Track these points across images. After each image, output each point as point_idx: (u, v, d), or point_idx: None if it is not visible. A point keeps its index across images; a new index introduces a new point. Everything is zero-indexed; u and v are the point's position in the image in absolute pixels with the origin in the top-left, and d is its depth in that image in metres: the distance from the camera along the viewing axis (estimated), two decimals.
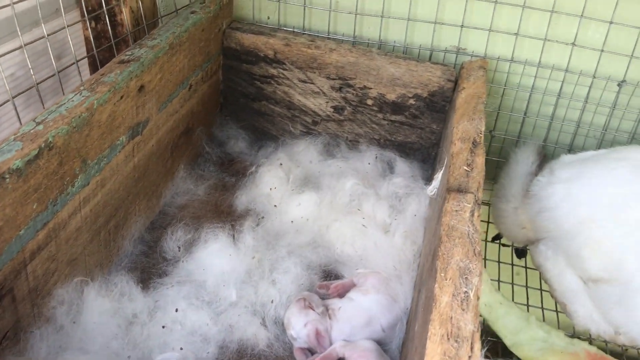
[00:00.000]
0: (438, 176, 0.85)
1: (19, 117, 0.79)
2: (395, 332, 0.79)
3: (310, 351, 0.79)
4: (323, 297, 0.84)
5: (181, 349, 0.75)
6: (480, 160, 0.79)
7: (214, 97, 1.14)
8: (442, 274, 0.60)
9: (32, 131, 0.66)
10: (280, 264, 0.85)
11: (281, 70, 1.12)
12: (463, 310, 0.57)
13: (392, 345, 0.79)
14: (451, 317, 0.56)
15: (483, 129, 0.85)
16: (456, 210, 0.69)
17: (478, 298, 0.59)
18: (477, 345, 0.53)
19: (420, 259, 0.84)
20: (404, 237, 0.87)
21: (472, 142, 0.82)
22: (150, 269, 0.88)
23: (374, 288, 0.80)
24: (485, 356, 0.55)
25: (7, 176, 0.60)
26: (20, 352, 0.68)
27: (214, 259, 0.83)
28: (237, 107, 1.18)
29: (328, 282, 0.86)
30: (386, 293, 0.79)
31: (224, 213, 1.01)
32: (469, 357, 0.52)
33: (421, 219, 0.91)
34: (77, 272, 0.77)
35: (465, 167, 0.77)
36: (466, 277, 0.60)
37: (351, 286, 0.84)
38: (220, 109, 1.18)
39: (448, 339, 0.53)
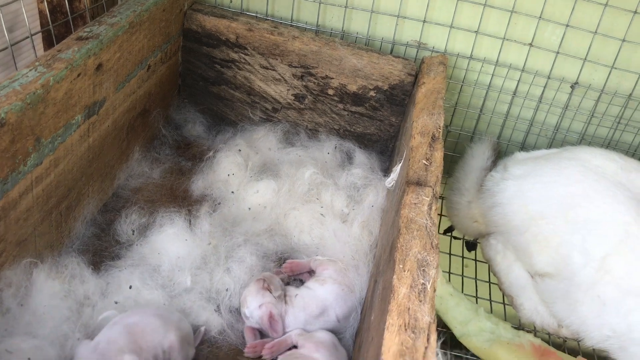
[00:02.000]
0: (396, 169, 0.86)
1: None
2: (349, 321, 0.80)
3: (261, 332, 0.79)
4: (285, 282, 0.84)
5: (116, 302, 0.75)
6: (439, 155, 0.80)
7: (172, 79, 1.12)
8: (401, 266, 0.61)
9: None
10: (236, 252, 0.84)
11: (243, 55, 1.11)
12: (420, 301, 0.58)
13: (346, 334, 0.80)
14: (409, 308, 0.57)
15: (442, 124, 0.87)
16: (415, 203, 0.70)
17: (435, 290, 0.60)
18: (434, 336, 0.54)
19: (376, 250, 0.85)
20: (361, 228, 0.88)
21: (431, 137, 0.83)
22: (102, 252, 0.86)
23: (331, 278, 0.81)
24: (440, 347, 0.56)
25: None
26: None
27: (169, 244, 0.82)
28: (196, 90, 1.16)
29: (293, 261, 0.86)
30: (343, 283, 0.80)
31: (179, 197, 0.99)
32: (426, 348, 0.53)
33: (378, 209, 0.92)
34: (26, 254, 0.75)
35: (424, 161, 0.78)
36: (424, 270, 0.61)
37: (307, 267, 0.85)
38: (178, 92, 1.16)
39: (405, 329, 0.54)
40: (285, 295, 0.80)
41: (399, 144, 1.03)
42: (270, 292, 0.79)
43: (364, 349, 0.67)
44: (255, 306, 0.78)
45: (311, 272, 0.87)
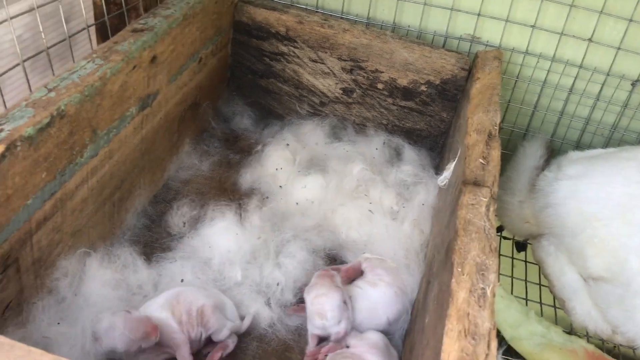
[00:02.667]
0: (450, 167, 0.84)
1: (28, 82, 0.76)
2: (399, 323, 0.78)
3: (321, 338, 0.78)
4: None
5: (182, 280, 0.78)
6: (495, 154, 0.78)
7: (222, 72, 1.12)
8: (459, 269, 0.59)
9: (44, 98, 0.64)
10: (286, 247, 0.84)
11: (292, 48, 1.10)
12: (480, 307, 0.56)
13: (395, 336, 0.79)
14: (468, 314, 0.55)
15: (498, 121, 0.84)
16: (472, 204, 0.69)
17: (494, 295, 0.58)
18: (494, 343, 0.53)
19: (427, 250, 0.84)
20: (412, 226, 0.86)
21: (488, 135, 0.81)
22: (153, 243, 0.87)
23: (382, 281, 0.79)
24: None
25: (18, 144, 0.58)
26: (22, 323, 0.67)
27: (220, 237, 0.82)
28: (245, 83, 1.16)
29: (336, 266, 0.85)
30: (395, 285, 0.78)
31: (228, 191, 0.99)
32: (486, 355, 0.51)
33: (429, 208, 0.90)
34: (80, 244, 0.75)
35: (481, 160, 0.76)
36: (483, 273, 0.60)
37: (359, 270, 0.83)
38: (227, 85, 1.16)
39: (465, 335, 0.53)
40: None
41: (450, 140, 1.01)
42: (347, 304, 0.76)
43: (417, 352, 0.66)
44: (335, 322, 0.74)
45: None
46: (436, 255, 0.73)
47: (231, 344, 0.74)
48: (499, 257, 1.11)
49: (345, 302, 0.75)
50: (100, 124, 0.72)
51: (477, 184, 0.72)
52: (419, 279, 0.81)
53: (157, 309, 0.71)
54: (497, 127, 0.83)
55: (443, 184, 0.85)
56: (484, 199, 0.70)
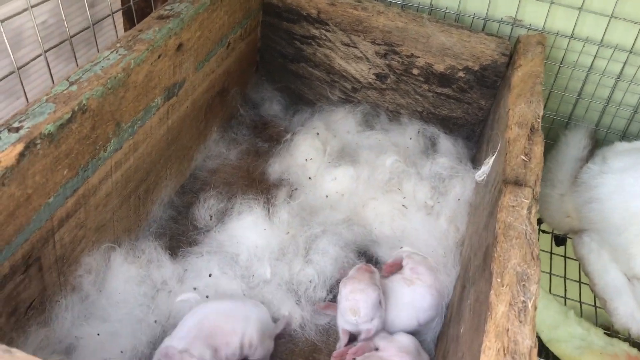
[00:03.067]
0: (489, 161, 0.79)
1: (50, 73, 0.74)
2: (432, 325, 0.75)
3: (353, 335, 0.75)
4: None
5: (195, 289, 0.74)
6: (538, 150, 0.73)
7: (251, 57, 1.08)
8: (499, 280, 0.56)
9: (65, 92, 0.61)
10: (315, 243, 0.81)
11: (324, 32, 1.06)
12: (520, 322, 0.52)
13: (427, 337, 0.76)
14: (507, 330, 0.51)
15: (541, 113, 0.79)
16: (513, 206, 0.64)
17: (535, 309, 0.55)
18: None
19: (463, 248, 0.80)
20: (448, 222, 0.82)
21: (530, 128, 0.76)
22: (179, 236, 0.85)
23: (420, 280, 0.75)
24: None
25: (38, 142, 0.56)
26: (45, 322, 0.65)
27: (248, 232, 0.80)
28: (274, 67, 1.13)
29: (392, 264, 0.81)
30: (433, 287, 0.75)
31: (256, 181, 0.97)
32: None
33: (465, 203, 0.86)
34: (104, 239, 0.74)
35: (522, 157, 0.72)
36: (524, 284, 0.56)
37: (400, 266, 0.80)
38: (256, 69, 1.13)
39: (505, 354, 0.49)
40: None
41: (488, 130, 0.96)
42: (381, 304, 0.73)
43: None
44: (367, 320, 0.71)
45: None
46: (472, 258, 0.70)
47: (268, 354, 0.72)
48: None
49: (380, 302, 0.72)
50: (124, 117, 0.70)
51: (518, 183, 0.68)
52: (454, 280, 0.77)
53: (189, 343, 0.65)
54: (539, 120, 0.78)
55: (481, 179, 0.81)
56: (526, 201, 0.65)
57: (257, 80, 1.13)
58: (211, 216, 0.85)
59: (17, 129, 0.55)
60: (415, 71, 1.04)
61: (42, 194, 0.59)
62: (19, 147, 0.54)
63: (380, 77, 1.07)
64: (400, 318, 0.74)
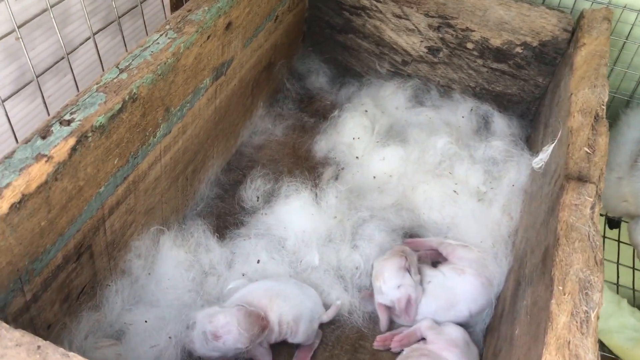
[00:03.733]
0: (548, 149, 0.75)
1: (98, 54, 0.73)
2: (482, 316, 0.74)
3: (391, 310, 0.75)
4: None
5: (243, 275, 0.74)
6: (603, 141, 0.69)
7: (298, 28, 1.05)
8: (560, 287, 0.53)
9: (115, 80, 0.60)
10: (363, 228, 0.79)
11: (374, 2, 1.01)
12: (583, 334, 0.50)
13: (476, 328, 0.75)
14: (569, 342, 0.50)
15: (606, 99, 0.75)
16: (575, 204, 0.61)
17: (598, 319, 0.52)
18: None
19: (517, 240, 0.77)
20: (501, 211, 0.79)
21: (594, 117, 0.72)
22: (226, 216, 0.84)
23: (470, 268, 0.74)
24: None
25: (89, 134, 0.55)
26: (96, 306, 0.66)
27: (295, 217, 0.78)
28: (321, 38, 1.09)
29: (414, 239, 0.81)
30: (483, 276, 0.73)
31: (302, 158, 0.95)
32: None
33: (520, 190, 0.82)
34: (153, 221, 0.74)
35: (586, 149, 0.68)
36: (587, 293, 0.53)
37: (427, 246, 0.80)
38: (302, 40, 1.09)
39: None
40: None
41: (546, 111, 0.92)
42: (410, 274, 0.73)
43: None
44: (393, 285, 0.72)
45: (438, 253, 0.81)
46: (529, 255, 0.67)
47: (317, 342, 0.72)
48: None
49: (408, 270, 0.73)
50: (174, 101, 0.68)
51: (581, 179, 0.64)
52: (506, 271, 0.75)
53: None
54: (604, 107, 0.74)
55: (539, 166, 0.77)
56: (589, 199, 0.62)
57: (303, 52, 1.10)
58: (258, 197, 0.84)
59: (69, 122, 0.55)
60: (469, 45, 0.99)
61: (93, 185, 0.58)
62: (71, 142, 0.53)
63: (432, 50, 1.02)
64: (450, 309, 0.73)
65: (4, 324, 0.43)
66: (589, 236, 0.58)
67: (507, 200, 0.81)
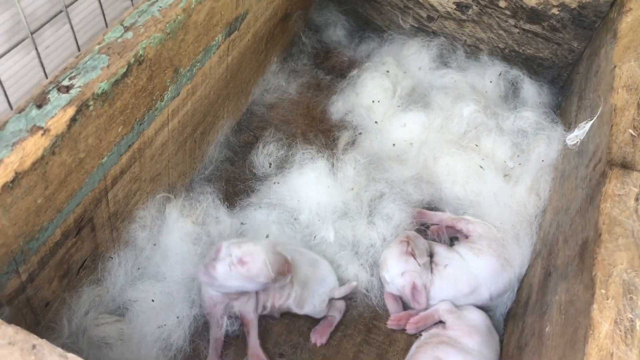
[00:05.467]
0: (585, 126, 0.70)
1: (103, 15, 0.66)
2: (503, 299, 0.70)
3: (401, 298, 0.72)
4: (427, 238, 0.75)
5: (267, 236, 0.71)
6: None
7: None
8: (603, 291, 0.49)
9: (119, 40, 0.54)
10: (380, 203, 0.75)
11: None
12: (627, 345, 0.46)
13: (496, 312, 0.71)
14: (612, 354, 0.46)
15: None
16: (619, 195, 0.56)
17: None
18: None
19: (545, 222, 0.73)
20: (528, 191, 0.74)
21: None
22: (235, 181, 0.79)
23: (489, 248, 0.70)
24: None
25: (90, 103, 0.50)
26: (97, 280, 0.62)
27: (310, 188, 0.74)
28: None
29: (424, 211, 0.77)
30: (501, 256, 0.69)
31: (316, 120, 0.89)
32: None
33: (550, 167, 0.77)
34: (159, 188, 0.69)
35: (631, 131, 0.62)
36: (631, 297, 0.49)
37: (436, 220, 0.77)
38: None
39: None
40: (431, 262, 0.71)
41: (580, 79, 0.85)
42: (415, 259, 0.69)
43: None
44: (397, 273, 0.69)
45: (455, 230, 0.76)
46: (562, 244, 0.63)
47: (338, 315, 0.69)
48: None
49: (413, 255, 0.69)
50: (183, 61, 0.62)
51: (625, 166, 0.59)
52: (529, 253, 0.71)
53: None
54: None
55: (573, 143, 0.72)
56: (634, 189, 0.57)
57: (321, 2, 1.02)
58: (270, 164, 0.79)
59: (68, 89, 0.49)
60: (502, 3, 0.92)
61: (95, 156, 0.53)
62: (70, 112, 0.48)
63: (461, 6, 0.95)
64: (470, 292, 0.69)
65: None
66: (633, 232, 0.54)
67: (535, 177, 0.76)
